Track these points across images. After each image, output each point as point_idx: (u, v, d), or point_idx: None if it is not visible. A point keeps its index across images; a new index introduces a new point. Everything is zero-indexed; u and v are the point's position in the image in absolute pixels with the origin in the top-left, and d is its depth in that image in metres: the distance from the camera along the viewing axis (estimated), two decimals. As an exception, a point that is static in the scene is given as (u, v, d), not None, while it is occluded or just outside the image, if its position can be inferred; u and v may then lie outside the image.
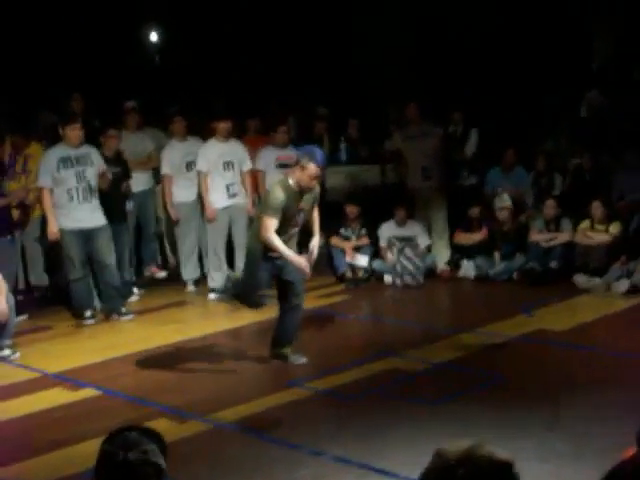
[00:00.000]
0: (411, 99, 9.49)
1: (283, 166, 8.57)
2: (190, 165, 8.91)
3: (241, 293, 6.41)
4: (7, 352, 6.83)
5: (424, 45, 11.60)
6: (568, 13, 10.24)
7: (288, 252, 5.86)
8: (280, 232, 5.86)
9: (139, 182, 9.07)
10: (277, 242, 5.82)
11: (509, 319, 7.24)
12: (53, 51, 12.07)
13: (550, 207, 8.89)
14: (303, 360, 6.35)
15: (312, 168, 5.87)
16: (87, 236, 7.79)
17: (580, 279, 8.28)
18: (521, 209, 9.55)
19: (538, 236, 8.88)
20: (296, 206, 5.97)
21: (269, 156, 9.04)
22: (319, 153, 6.09)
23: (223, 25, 12.89)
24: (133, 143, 9.14)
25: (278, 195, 5.86)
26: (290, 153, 8.61)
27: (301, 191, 5.96)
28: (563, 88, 10.25)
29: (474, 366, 6.02)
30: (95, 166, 7.85)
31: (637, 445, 2.34)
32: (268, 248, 5.92)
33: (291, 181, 5.95)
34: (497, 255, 9.01)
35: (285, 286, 6.23)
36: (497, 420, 4.81)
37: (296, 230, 6.15)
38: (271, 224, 5.78)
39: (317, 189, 6.25)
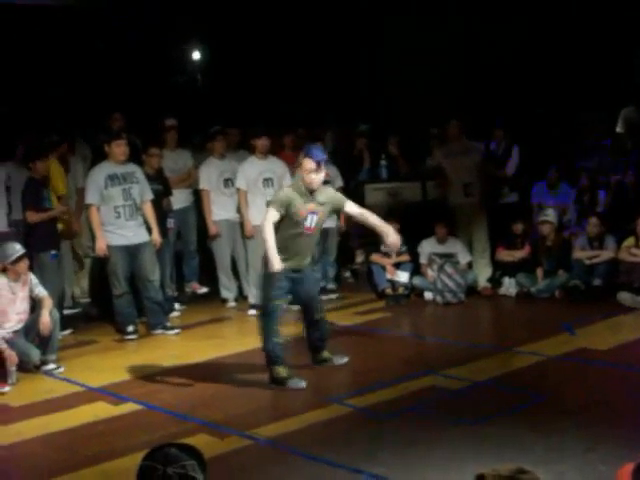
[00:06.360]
0: (452, 116, 9.49)
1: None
2: (227, 182, 8.99)
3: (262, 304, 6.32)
4: (52, 366, 6.95)
5: (466, 62, 11.58)
6: (609, 30, 10.15)
7: (270, 244, 5.86)
8: (282, 230, 6.00)
9: (180, 199, 9.17)
10: (267, 230, 5.90)
11: (551, 337, 7.15)
12: (95, 70, 12.27)
13: (593, 225, 8.79)
14: (345, 360, 6.62)
15: (307, 162, 6.05)
16: (132, 252, 7.91)
17: (625, 297, 8.16)
18: (564, 225, 9.46)
19: (581, 253, 8.79)
20: (305, 207, 6.04)
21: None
22: (315, 148, 6.23)
23: (264, 43, 13.00)
24: (173, 160, 9.25)
25: (285, 191, 6.17)
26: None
27: (311, 192, 6.07)
28: (605, 104, 10.14)
29: (515, 385, 5.95)
30: (140, 184, 7.97)
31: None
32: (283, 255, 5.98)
33: (301, 182, 6.14)
34: (540, 272, 8.93)
35: (305, 302, 6.38)
36: (538, 440, 4.75)
37: (307, 234, 6.12)
38: (270, 214, 5.97)
39: (337, 195, 6.37)
